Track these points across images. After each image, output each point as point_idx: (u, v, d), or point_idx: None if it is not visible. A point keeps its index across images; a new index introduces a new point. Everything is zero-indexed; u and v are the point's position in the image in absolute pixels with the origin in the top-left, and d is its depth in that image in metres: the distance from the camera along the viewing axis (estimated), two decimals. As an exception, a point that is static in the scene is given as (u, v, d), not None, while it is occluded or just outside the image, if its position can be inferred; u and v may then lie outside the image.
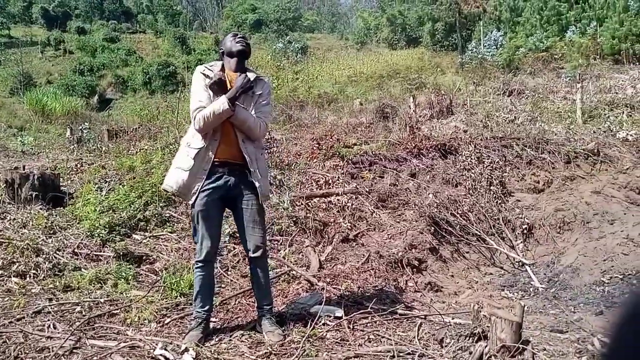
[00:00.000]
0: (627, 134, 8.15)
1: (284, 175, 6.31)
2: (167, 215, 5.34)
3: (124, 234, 4.87)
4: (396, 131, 8.98)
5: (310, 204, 5.62)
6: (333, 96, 16.50)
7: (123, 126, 11.43)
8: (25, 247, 4.25)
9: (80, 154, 8.91)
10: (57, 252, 4.37)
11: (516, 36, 21.74)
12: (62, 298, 3.72)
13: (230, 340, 3.24)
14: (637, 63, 15.65)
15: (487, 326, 2.81)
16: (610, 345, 0.70)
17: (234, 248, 4.72)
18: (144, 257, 4.58)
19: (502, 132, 8.36)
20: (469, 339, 2.95)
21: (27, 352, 2.86)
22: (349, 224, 5.38)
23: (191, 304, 3.46)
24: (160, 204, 5.37)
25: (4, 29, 34.08)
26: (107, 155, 8.19)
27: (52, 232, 4.76)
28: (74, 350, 2.92)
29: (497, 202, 6.28)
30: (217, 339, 3.24)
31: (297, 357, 2.95)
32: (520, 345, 2.68)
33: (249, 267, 3.51)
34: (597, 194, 6.22)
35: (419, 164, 7.06)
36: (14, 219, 4.95)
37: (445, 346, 3.10)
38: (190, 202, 3.24)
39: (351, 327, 3.38)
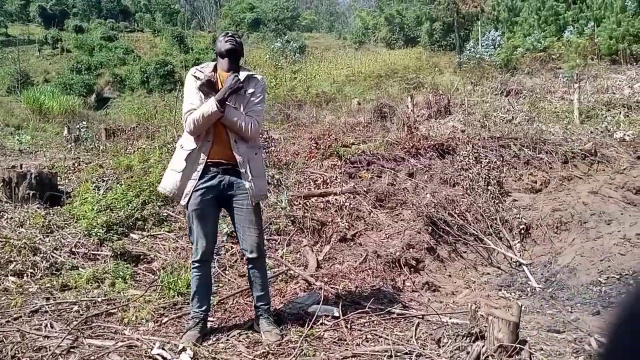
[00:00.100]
0: (624, 134, 8.16)
1: (282, 175, 6.31)
2: (165, 214, 5.33)
3: (121, 233, 4.87)
4: (394, 131, 8.98)
5: (308, 203, 5.62)
6: (331, 96, 16.49)
7: (121, 125, 11.41)
8: (22, 246, 4.24)
9: (78, 152, 8.89)
10: (55, 251, 4.36)
11: (514, 36, 21.75)
12: (59, 297, 3.72)
13: (227, 339, 3.24)
14: (635, 63, 15.66)
15: (485, 326, 2.81)
16: (606, 345, 0.70)
17: (232, 247, 4.71)
18: (141, 257, 4.57)
19: (499, 132, 8.37)
20: (466, 339, 2.95)
21: (25, 351, 2.85)
22: (347, 224, 5.38)
23: (189, 304, 3.46)
24: (158, 203, 5.36)
25: (1, 27, 34.02)
26: (105, 154, 8.18)
27: (49, 231, 4.76)
28: (72, 350, 2.92)
29: (494, 202, 6.29)
30: (214, 339, 3.24)
31: (294, 356, 2.95)
32: (518, 345, 2.69)
33: (246, 267, 3.51)
34: (594, 194, 6.23)
35: (416, 164, 7.07)
36: (11, 217, 4.93)
37: (443, 346, 3.10)
38: (183, 203, 3.25)
39: (349, 326, 3.38)
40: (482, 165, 6.75)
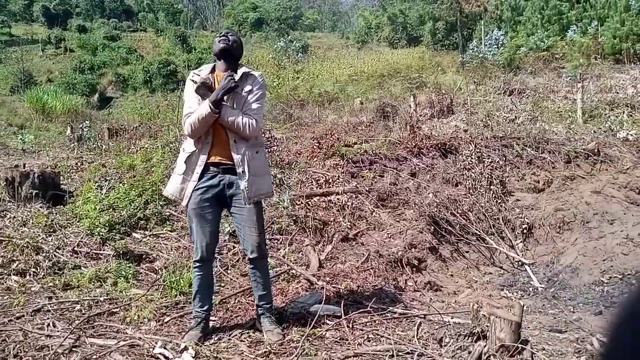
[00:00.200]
0: (628, 133, 8.14)
1: (284, 174, 6.31)
2: (167, 213, 5.34)
3: (123, 233, 4.87)
4: (396, 130, 8.98)
5: (310, 203, 5.62)
6: (333, 95, 16.49)
7: (123, 125, 11.44)
8: (25, 245, 4.25)
9: (81, 152, 8.92)
10: (57, 251, 4.37)
11: (517, 35, 21.72)
12: (61, 296, 3.73)
13: (229, 339, 3.24)
14: (638, 63, 15.62)
15: (487, 326, 2.81)
16: (608, 345, 0.70)
17: (234, 247, 4.72)
18: (143, 256, 4.58)
19: (502, 132, 8.36)
20: (468, 339, 2.95)
21: (27, 350, 2.86)
22: (349, 223, 5.38)
23: (190, 303, 3.46)
24: (160, 203, 5.37)
25: (5, 27, 34.10)
26: (108, 153, 8.20)
27: (52, 230, 4.76)
28: (74, 349, 2.92)
29: (497, 201, 6.28)
30: (216, 338, 3.24)
31: (296, 356, 2.95)
32: (520, 345, 2.68)
33: (248, 266, 3.51)
34: (597, 193, 6.22)
35: (419, 163, 7.06)
36: (14, 217, 4.95)
37: (445, 345, 3.10)
38: (184, 204, 3.26)
39: (350, 326, 3.38)
40: (485, 165, 6.74)
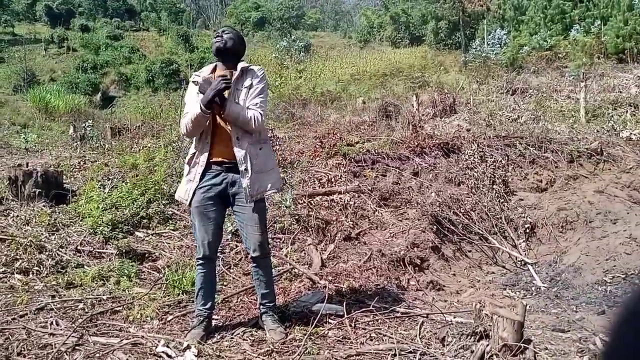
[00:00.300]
0: (631, 133, 8.12)
1: (287, 174, 6.31)
2: (170, 212, 5.35)
3: (126, 232, 4.88)
4: (399, 130, 8.97)
5: (312, 202, 5.62)
6: (336, 94, 16.48)
7: (126, 124, 11.45)
8: (28, 244, 4.26)
9: (84, 151, 8.94)
10: (60, 249, 4.38)
11: (520, 35, 21.67)
12: (64, 295, 3.74)
13: (232, 337, 3.24)
14: (641, 62, 15.59)
15: (489, 325, 2.81)
16: (610, 344, 0.69)
17: (236, 246, 4.72)
18: (146, 255, 4.59)
19: (505, 131, 8.35)
20: (470, 338, 2.94)
21: (30, 348, 2.87)
22: (351, 223, 5.38)
23: (193, 302, 3.47)
24: (163, 202, 5.38)
25: (8, 26, 34.20)
26: (110, 152, 8.21)
27: (55, 229, 4.78)
28: (77, 347, 2.93)
29: (499, 201, 6.27)
30: (219, 337, 3.25)
31: (298, 355, 2.95)
32: (522, 345, 2.68)
33: (251, 265, 3.51)
34: (600, 193, 6.20)
35: (421, 163, 7.06)
36: (17, 216, 4.96)
37: (447, 345, 3.10)
38: (186, 202, 3.27)
39: (353, 325, 3.38)
40: (488, 164, 6.73)
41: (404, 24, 33.22)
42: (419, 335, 3.28)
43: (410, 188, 6.37)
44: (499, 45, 21.68)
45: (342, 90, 17.69)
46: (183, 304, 3.73)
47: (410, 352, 3.01)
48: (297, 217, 5.28)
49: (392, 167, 6.89)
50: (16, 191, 5.41)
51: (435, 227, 5.58)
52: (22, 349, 2.85)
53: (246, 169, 3.15)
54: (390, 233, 5.37)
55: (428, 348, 3.08)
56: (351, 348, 3.07)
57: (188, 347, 2.96)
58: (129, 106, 20.39)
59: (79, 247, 4.54)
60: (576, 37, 17.82)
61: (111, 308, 3.56)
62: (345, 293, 3.98)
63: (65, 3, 39.43)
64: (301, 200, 5.61)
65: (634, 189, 6.31)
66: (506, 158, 7.21)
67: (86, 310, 3.49)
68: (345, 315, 3.45)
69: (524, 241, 5.82)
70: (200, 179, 3.22)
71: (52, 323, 3.22)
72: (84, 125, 10.98)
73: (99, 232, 4.73)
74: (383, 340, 3.23)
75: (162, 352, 2.90)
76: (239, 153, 3.15)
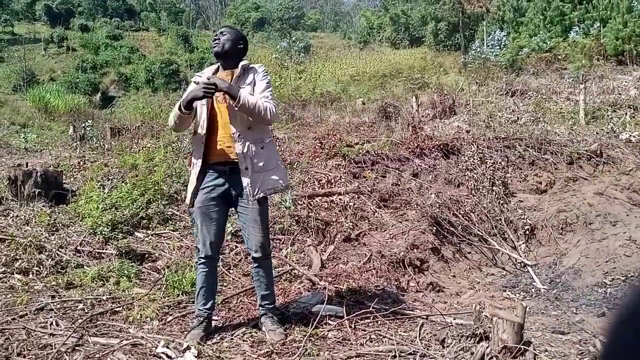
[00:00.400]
0: (630, 135, 8.13)
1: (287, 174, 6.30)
2: (170, 213, 5.34)
3: (126, 232, 4.88)
4: (398, 131, 8.98)
5: (312, 203, 5.62)
6: (336, 95, 16.50)
7: (126, 124, 11.48)
8: (28, 244, 4.26)
9: (83, 151, 8.94)
10: (60, 250, 4.38)
11: (519, 36, 21.70)
12: (64, 295, 3.73)
13: (231, 338, 3.24)
14: (641, 64, 15.62)
15: (489, 327, 2.81)
16: (609, 345, 0.69)
17: (236, 246, 4.72)
18: (146, 255, 4.59)
19: (504, 133, 8.36)
20: (470, 340, 2.94)
21: (30, 348, 2.86)
22: (351, 224, 5.38)
23: (193, 302, 3.46)
24: (163, 202, 5.38)
25: (8, 25, 34.18)
26: (110, 152, 8.22)
27: (54, 229, 4.77)
28: (76, 348, 2.93)
29: (499, 202, 6.27)
30: (218, 338, 3.24)
31: (298, 356, 2.95)
32: (522, 347, 2.68)
33: (251, 266, 3.51)
34: (600, 195, 6.20)
35: (421, 164, 7.06)
36: (17, 216, 4.95)
37: (447, 346, 3.10)
38: (188, 202, 3.27)
39: (353, 326, 3.38)
40: (487, 166, 6.74)
41: (403, 25, 33.25)
42: (419, 336, 3.27)
43: (409, 189, 6.37)
44: (498, 47, 21.71)
45: (341, 91, 17.71)
46: (183, 305, 3.73)
47: (410, 354, 3.01)
48: (296, 218, 5.28)
49: (392, 168, 6.89)
50: (16, 191, 5.41)
51: (434, 228, 5.58)
52: (22, 349, 2.84)
53: (247, 168, 3.14)
54: (390, 234, 5.37)
55: (428, 350, 3.08)
56: (351, 349, 3.07)
57: (188, 347, 2.95)
58: (128, 106, 20.41)
59: (78, 248, 4.53)
60: (575, 39, 17.86)
61: (111, 308, 3.55)
62: (345, 294, 3.98)
63: (64, 3, 39.41)
64: (301, 201, 5.61)
65: (634, 191, 6.31)
66: (506, 160, 7.21)
67: (86, 310, 3.48)
68: (345, 317, 3.45)
69: (523, 243, 5.82)
70: (202, 180, 3.23)
71: (51, 323, 3.21)
72: (83, 125, 10.99)
73: (99, 233, 4.73)
74: (383, 341, 3.23)
75: (162, 352, 2.89)
76: (240, 151, 3.13)
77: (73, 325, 3.18)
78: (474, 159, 6.90)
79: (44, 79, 25.95)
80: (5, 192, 5.55)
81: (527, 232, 5.92)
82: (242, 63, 3.30)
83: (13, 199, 5.40)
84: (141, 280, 4.20)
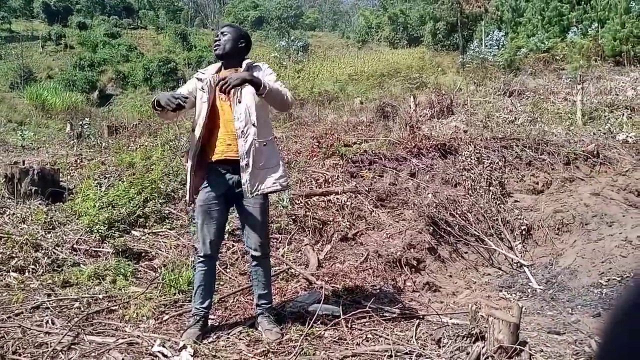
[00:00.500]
0: (627, 136, 8.15)
1: (284, 174, 6.30)
2: (167, 212, 5.34)
3: (123, 230, 4.87)
4: (396, 130, 8.99)
5: (309, 202, 5.62)
6: (333, 94, 16.51)
7: (123, 122, 11.46)
8: (24, 242, 4.25)
9: (80, 149, 8.92)
10: (56, 248, 4.37)
11: (517, 37, 21.75)
12: (60, 294, 3.73)
13: (228, 337, 3.24)
14: (638, 65, 15.65)
15: (485, 327, 2.81)
16: (604, 345, 0.69)
17: (233, 245, 4.72)
18: (142, 254, 4.58)
19: (502, 133, 8.37)
20: (466, 340, 2.95)
21: (25, 347, 2.86)
22: (348, 223, 5.38)
23: (190, 301, 3.46)
24: (160, 201, 5.37)
25: (5, 23, 34.10)
26: (107, 151, 8.20)
27: (51, 227, 4.77)
28: (72, 346, 2.92)
29: (496, 202, 6.28)
30: (215, 337, 3.24)
31: (294, 355, 2.95)
32: (518, 347, 2.69)
33: (249, 264, 3.51)
34: (596, 195, 6.22)
35: (418, 164, 7.07)
36: (13, 213, 4.95)
37: (443, 346, 3.10)
38: (188, 200, 3.27)
39: (349, 326, 3.38)
40: (484, 166, 6.74)
41: (402, 24, 33.27)
42: (415, 336, 3.28)
43: (407, 189, 6.38)
44: (496, 47, 21.74)
45: (339, 91, 17.71)
46: (179, 304, 3.73)
47: (406, 354, 3.01)
48: (294, 217, 5.28)
49: (389, 167, 6.89)
50: (12, 189, 5.40)
51: (431, 228, 5.58)
52: (18, 348, 2.84)
53: (247, 164, 3.13)
54: (387, 234, 5.37)
55: (424, 349, 3.09)
56: (347, 349, 3.07)
57: (184, 346, 2.95)
58: (126, 104, 20.37)
59: (75, 246, 4.53)
60: (573, 40, 17.90)
61: (107, 307, 3.55)
62: (341, 294, 3.98)
63: (62, 0, 39.32)
64: (298, 200, 5.61)
65: (630, 192, 6.33)
66: (503, 160, 7.22)
67: (82, 309, 3.48)
68: (342, 316, 3.45)
69: (520, 243, 5.83)
70: (200, 178, 3.25)
71: (47, 322, 3.21)
72: (80, 123, 10.97)
73: (96, 231, 4.72)
74: (379, 341, 3.24)
75: (158, 351, 2.89)
76: (242, 147, 3.12)
77: (69, 324, 3.18)
78: (471, 159, 6.91)
79: (42, 77, 25.90)
80: (1, 189, 5.54)
81: (524, 232, 5.93)
82: (246, 61, 3.30)
83: (9, 197, 5.39)
84: (138, 278, 4.20)
